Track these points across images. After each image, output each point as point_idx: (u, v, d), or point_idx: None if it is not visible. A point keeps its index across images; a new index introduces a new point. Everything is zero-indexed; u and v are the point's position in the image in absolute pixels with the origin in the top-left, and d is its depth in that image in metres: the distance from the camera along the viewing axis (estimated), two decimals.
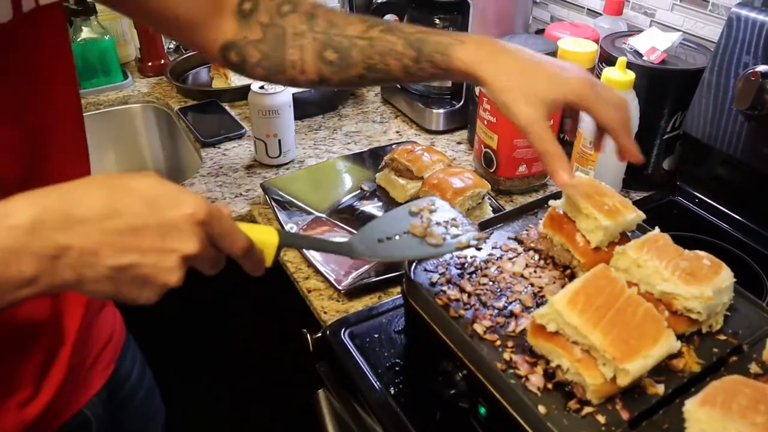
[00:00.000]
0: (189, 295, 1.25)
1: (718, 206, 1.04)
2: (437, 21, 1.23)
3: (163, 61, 1.57)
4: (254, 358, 1.31)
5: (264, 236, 0.55)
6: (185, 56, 1.57)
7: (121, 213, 0.46)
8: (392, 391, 0.73)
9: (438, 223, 0.68)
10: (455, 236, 0.67)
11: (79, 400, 0.76)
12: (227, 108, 1.40)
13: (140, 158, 1.57)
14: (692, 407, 0.49)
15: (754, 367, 0.61)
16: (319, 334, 0.83)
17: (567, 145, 1.08)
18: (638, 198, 1.09)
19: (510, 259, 0.75)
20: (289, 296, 0.96)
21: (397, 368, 0.76)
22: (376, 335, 0.80)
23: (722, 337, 0.65)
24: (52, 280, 0.45)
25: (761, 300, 0.70)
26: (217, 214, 0.50)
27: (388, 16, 1.34)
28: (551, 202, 0.74)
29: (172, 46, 1.69)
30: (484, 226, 0.80)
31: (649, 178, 1.10)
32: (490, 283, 0.72)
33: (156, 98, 1.51)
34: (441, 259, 0.75)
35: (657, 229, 0.69)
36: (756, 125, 0.92)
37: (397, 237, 0.66)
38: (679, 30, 1.11)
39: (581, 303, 0.56)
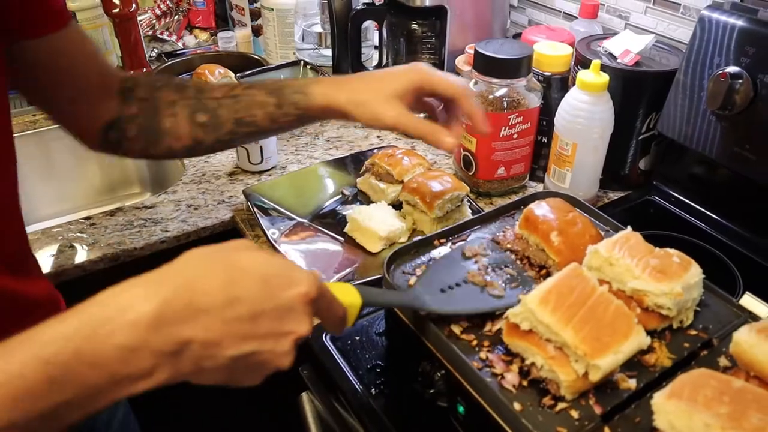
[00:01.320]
0: None
1: (694, 205, 1.06)
2: (415, 26, 1.24)
3: (145, 69, 1.57)
4: None
5: (349, 298, 0.57)
6: (167, 64, 1.57)
7: (240, 299, 0.45)
8: (373, 392, 0.74)
9: (493, 269, 0.73)
10: (513, 285, 0.71)
11: None
12: None
13: (123, 166, 1.57)
14: (660, 400, 0.51)
15: (723, 361, 0.63)
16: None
17: (545, 147, 1.10)
18: (615, 198, 1.11)
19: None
20: None
21: (378, 369, 0.76)
22: (357, 338, 0.81)
23: (693, 332, 0.66)
24: (169, 375, 0.44)
25: (734, 296, 0.72)
26: (323, 287, 0.51)
27: (366, 23, 1.36)
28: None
29: (153, 54, 1.70)
30: (462, 228, 0.82)
31: (626, 178, 1.11)
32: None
33: None
34: (418, 261, 0.77)
35: (629, 228, 0.71)
36: (727, 125, 0.94)
37: (458, 286, 0.69)
38: (652, 32, 1.13)
39: (553, 301, 0.58)
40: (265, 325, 0.46)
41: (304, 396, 0.86)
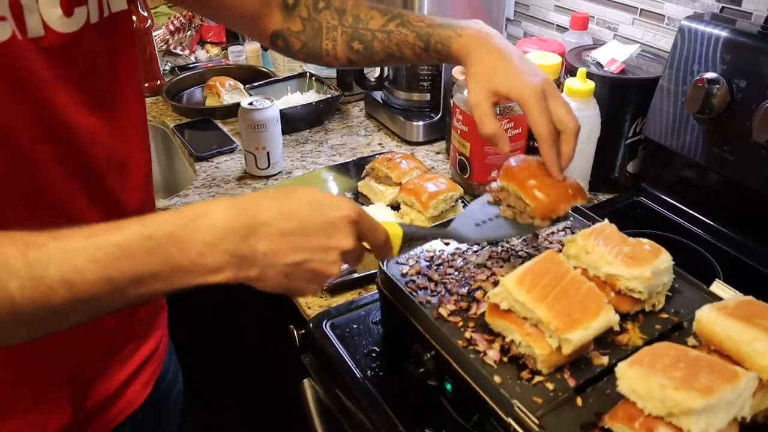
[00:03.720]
0: (191, 300, 1.32)
1: (679, 205, 1.11)
2: None
3: (159, 82, 1.65)
4: (245, 352, 1.37)
5: (393, 230, 0.65)
6: (180, 77, 1.65)
7: (294, 215, 0.55)
8: (369, 374, 0.79)
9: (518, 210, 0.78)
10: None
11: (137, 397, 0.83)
12: (219, 124, 1.48)
13: None
14: (622, 367, 0.56)
15: (691, 340, 0.67)
16: (303, 331, 0.89)
17: (536, 152, 1.15)
18: (605, 199, 1.16)
19: (475, 251, 0.82)
20: (276, 296, 1.02)
21: (373, 354, 0.82)
22: (355, 326, 0.86)
23: (665, 316, 0.71)
24: (236, 274, 0.53)
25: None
26: (364, 214, 0.60)
27: None
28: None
29: (167, 68, 1.78)
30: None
31: (615, 180, 1.17)
32: (456, 273, 0.78)
33: (153, 117, 1.58)
34: (412, 253, 0.82)
35: (606, 221, 0.76)
36: (707, 128, 0.99)
37: (491, 220, 0.77)
38: (638, 42, 1.19)
39: (528, 282, 0.63)
40: (314, 239, 0.55)
41: (306, 382, 0.92)
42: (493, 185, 0.81)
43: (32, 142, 0.59)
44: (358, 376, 0.79)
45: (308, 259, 0.55)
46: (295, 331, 0.91)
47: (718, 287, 0.73)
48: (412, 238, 0.68)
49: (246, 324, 1.34)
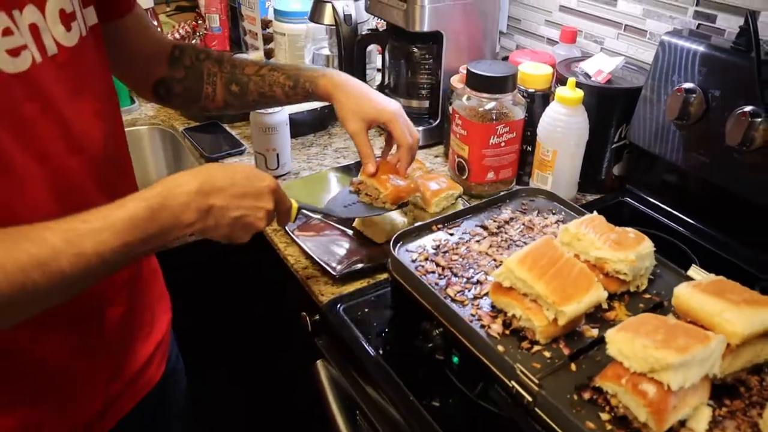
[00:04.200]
0: (210, 284, 1.38)
1: (661, 205, 1.20)
2: (415, 50, 1.39)
3: None
4: (261, 338, 1.44)
5: (292, 203, 0.90)
6: None
7: (236, 183, 0.74)
8: (381, 353, 0.87)
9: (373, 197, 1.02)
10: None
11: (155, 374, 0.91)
12: (227, 128, 1.55)
13: (146, 176, 1.71)
14: (611, 332, 0.64)
15: (671, 317, 0.76)
16: (317, 317, 0.97)
17: (530, 155, 1.24)
18: (592, 199, 1.25)
19: (477, 241, 0.90)
20: (290, 286, 1.10)
21: (384, 334, 0.90)
22: (366, 309, 0.94)
23: (647, 296, 0.80)
24: (202, 225, 0.71)
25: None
26: (280, 188, 0.82)
27: (370, 47, 1.52)
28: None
29: None
30: (457, 216, 0.96)
31: (602, 182, 1.26)
32: (460, 259, 0.87)
33: (161, 121, 1.66)
34: (419, 243, 0.90)
35: (595, 213, 0.85)
36: (685, 133, 1.09)
37: (353, 204, 1.03)
38: (623, 55, 1.28)
39: (529, 262, 0.72)
40: (249, 200, 0.76)
41: (319, 363, 0.99)
42: (354, 179, 1.06)
43: (63, 156, 0.68)
44: (371, 354, 0.86)
45: (246, 214, 0.75)
46: (307, 318, 0.98)
47: (694, 271, 0.82)
48: (304, 209, 0.93)
49: (257, 313, 1.41)
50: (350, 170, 1.33)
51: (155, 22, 1.65)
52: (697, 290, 0.70)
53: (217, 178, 0.73)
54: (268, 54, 1.90)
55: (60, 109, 0.66)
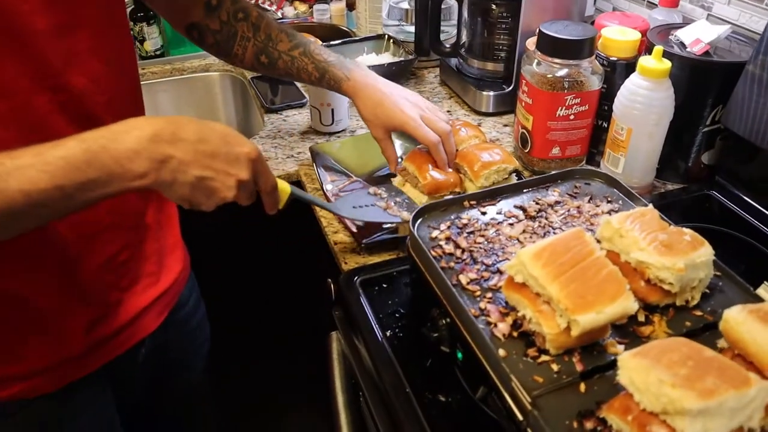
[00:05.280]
0: (241, 244, 1.36)
1: (756, 204, 1.02)
2: (494, 7, 1.26)
3: None
4: (284, 301, 1.42)
5: (282, 186, 0.77)
6: None
7: (207, 140, 0.64)
8: (388, 334, 0.79)
9: (396, 202, 1.01)
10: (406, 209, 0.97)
11: (151, 324, 0.88)
12: None
13: (217, 120, 1.69)
14: (625, 356, 0.53)
15: (722, 342, 0.63)
16: (338, 285, 0.90)
17: (605, 132, 1.09)
18: (673, 189, 1.09)
19: (510, 224, 0.80)
20: (322, 248, 1.04)
21: (397, 315, 0.82)
22: (384, 285, 0.87)
23: (698, 313, 0.67)
24: (156, 178, 0.61)
25: None
26: (262, 158, 0.70)
27: (449, 2, 1.40)
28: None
29: None
30: (495, 193, 0.85)
31: (688, 170, 1.09)
32: (486, 242, 0.77)
33: (232, 67, 1.63)
34: (445, 218, 0.81)
35: (650, 206, 0.72)
36: None
37: (366, 206, 0.98)
38: (731, 23, 1.09)
39: (546, 257, 0.61)
40: (220, 163, 0.65)
41: (333, 335, 0.93)
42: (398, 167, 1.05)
43: (29, 94, 0.64)
44: (378, 334, 0.79)
45: (211, 177, 0.64)
46: (332, 285, 0.92)
47: (765, 290, 0.68)
48: (298, 199, 0.80)
49: (286, 273, 1.37)
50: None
51: None
52: (754, 316, 0.56)
53: (183, 129, 0.63)
54: (351, 5, 1.82)
55: (34, 43, 0.62)
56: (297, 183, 1.17)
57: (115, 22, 0.74)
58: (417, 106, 1.02)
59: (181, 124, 0.64)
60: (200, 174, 0.64)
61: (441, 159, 1.00)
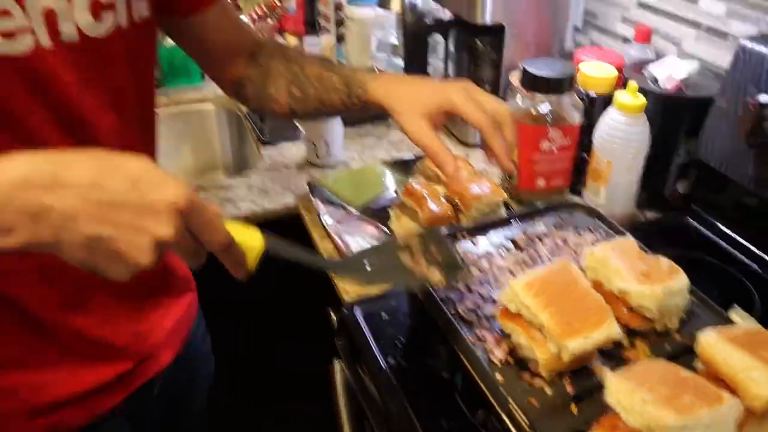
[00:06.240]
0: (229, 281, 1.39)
1: (730, 232, 1.08)
2: (478, 42, 1.33)
3: None
4: (284, 329, 1.46)
5: (249, 240, 0.56)
6: None
7: (104, 188, 0.49)
8: (391, 363, 0.84)
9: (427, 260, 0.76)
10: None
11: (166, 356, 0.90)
12: None
13: (212, 152, 1.75)
14: (612, 378, 0.59)
15: (699, 365, 0.68)
16: (340, 314, 0.95)
17: (586, 163, 1.16)
18: (653, 218, 1.16)
19: (501, 256, 0.85)
20: (320, 278, 1.09)
21: (398, 344, 0.87)
22: (385, 315, 0.92)
23: (678, 338, 0.73)
24: (30, 237, 0.48)
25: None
26: (199, 206, 0.51)
27: (437, 38, 1.47)
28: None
29: None
30: (486, 226, 0.91)
31: (665, 200, 1.16)
32: (480, 273, 0.82)
33: (228, 100, 1.68)
34: None
35: (628, 235, 0.78)
36: (759, 153, 0.97)
37: (383, 271, 0.73)
38: (700, 59, 1.17)
39: (536, 287, 0.66)
40: (124, 216, 0.49)
41: (336, 364, 0.98)
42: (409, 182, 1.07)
43: (54, 139, 0.65)
44: (381, 363, 0.84)
45: (112, 236, 0.49)
46: (332, 314, 0.97)
47: (734, 314, 0.74)
48: (275, 255, 0.59)
49: (286, 304, 1.42)
50: (401, 166, 1.30)
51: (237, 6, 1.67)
52: (725, 339, 0.62)
53: (70, 169, 0.49)
54: (341, 38, 1.89)
55: (60, 94, 0.65)
56: (296, 216, 1.21)
57: (139, 81, 0.77)
58: (465, 83, 0.85)
59: (68, 163, 0.49)
60: (94, 232, 0.48)
61: (498, 146, 0.82)
